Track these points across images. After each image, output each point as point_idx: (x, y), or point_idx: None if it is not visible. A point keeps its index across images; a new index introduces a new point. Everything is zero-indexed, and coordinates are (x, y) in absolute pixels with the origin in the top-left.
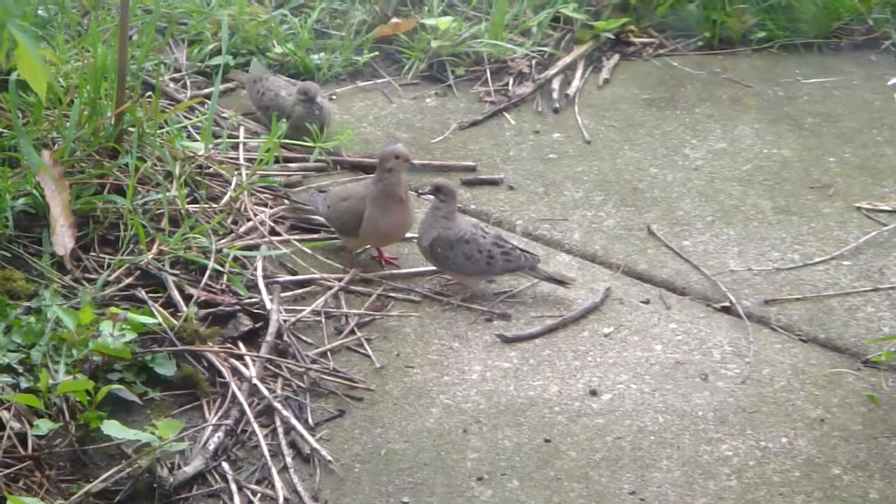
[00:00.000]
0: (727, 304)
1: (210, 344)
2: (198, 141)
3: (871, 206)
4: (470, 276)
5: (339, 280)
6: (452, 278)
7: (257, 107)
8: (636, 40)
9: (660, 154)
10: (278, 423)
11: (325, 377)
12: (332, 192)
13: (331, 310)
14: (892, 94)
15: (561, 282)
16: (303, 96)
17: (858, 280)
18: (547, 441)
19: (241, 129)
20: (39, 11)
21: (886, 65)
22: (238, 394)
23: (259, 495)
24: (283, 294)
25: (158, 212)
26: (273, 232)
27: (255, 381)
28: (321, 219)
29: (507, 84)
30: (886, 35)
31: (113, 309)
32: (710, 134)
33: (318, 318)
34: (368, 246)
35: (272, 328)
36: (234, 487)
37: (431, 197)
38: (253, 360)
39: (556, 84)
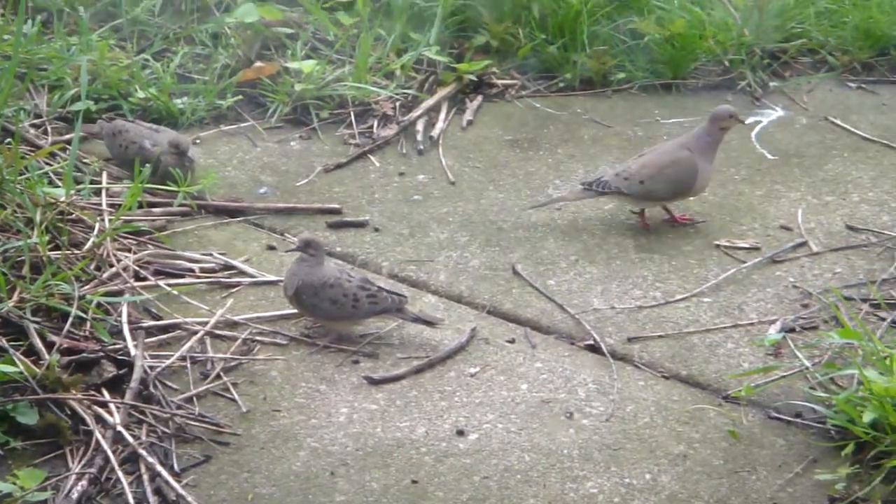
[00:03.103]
0: (591, 342)
1: (73, 391)
2: (59, 187)
3: (730, 243)
4: (337, 320)
5: (204, 324)
6: (320, 323)
7: (121, 161)
8: (499, 82)
9: (524, 194)
10: (143, 469)
11: (191, 423)
12: (639, 170)
13: (196, 355)
14: (748, 134)
15: (429, 322)
16: (174, 150)
17: (718, 317)
18: (414, 482)
19: (104, 174)
20: None
21: (742, 105)
22: (102, 441)
23: None
24: (147, 339)
25: (19, 259)
26: (137, 277)
27: (119, 428)
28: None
29: (371, 126)
30: (742, 76)
31: None
32: (572, 174)
33: (184, 364)
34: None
35: (136, 374)
36: None
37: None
38: (117, 407)
39: (420, 126)
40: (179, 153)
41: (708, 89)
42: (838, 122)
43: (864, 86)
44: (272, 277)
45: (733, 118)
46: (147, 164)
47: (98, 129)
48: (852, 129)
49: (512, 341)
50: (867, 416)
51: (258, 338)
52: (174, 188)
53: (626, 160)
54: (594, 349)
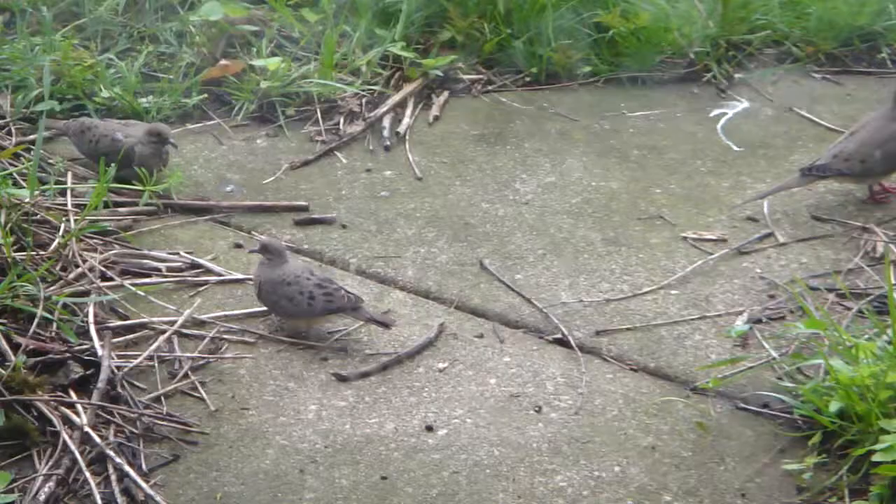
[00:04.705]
0: (559, 335)
1: (40, 393)
2: (23, 188)
3: (697, 235)
4: (296, 317)
5: (172, 324)
6: (282, 320)
7: (90, 156)
8: (465, 77)
9: (490, 189)
10: (111, 470)
11: (159, 422)
12: (857, 149)
13: (164, 354)
14: (714, 126)
15: (383, 324)
16: (154, 138)
17: (686, 308)
18: (384, 478)
19: (69, 174)
20: None
21: (707, 97)
22: (69, 442)
23: None
24: (114, 340)
25: None
26: (103, 277)
27: (86, 428)
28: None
29: (337, 123)
30: (707, 68)
31: None
32: (539, 168)
33: (151, 363)
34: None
35: (103, 374)
36: None
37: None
38: (84, 408)
39: (386, 122)
40: (161, 141)
41: (674, 82)
42: (803, 112)
43: (828, 76)
44: (239, 276)
45: None
46: (116, 160)
47: (64, 127)
48: (817, 120)
49: (480, 336)
50: (833, 406)
51: (226, 336)
52: (140, 187)
53: (836, 142)
54: (562, 343)
